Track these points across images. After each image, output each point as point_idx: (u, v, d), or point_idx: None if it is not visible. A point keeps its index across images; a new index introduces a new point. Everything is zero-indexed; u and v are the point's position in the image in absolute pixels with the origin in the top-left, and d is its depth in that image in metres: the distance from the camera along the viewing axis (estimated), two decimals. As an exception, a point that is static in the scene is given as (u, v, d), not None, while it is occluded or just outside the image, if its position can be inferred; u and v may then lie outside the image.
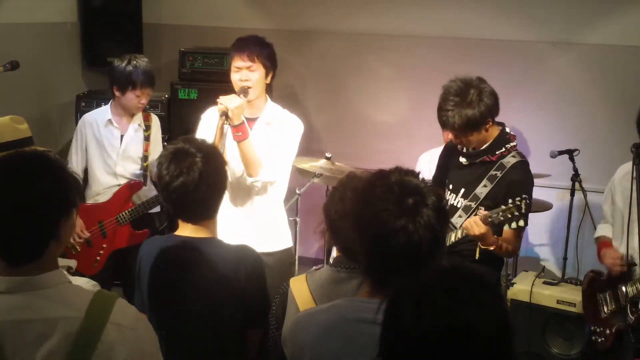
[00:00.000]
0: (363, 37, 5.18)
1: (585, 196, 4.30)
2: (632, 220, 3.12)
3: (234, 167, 3.29)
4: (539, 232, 4.92)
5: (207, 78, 4.97)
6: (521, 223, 2.91)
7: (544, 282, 4.40)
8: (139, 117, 4.14)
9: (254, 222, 3.37)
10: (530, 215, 4.74)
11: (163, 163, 2.38)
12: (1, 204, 1.65)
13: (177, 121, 4.96)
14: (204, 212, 2.41)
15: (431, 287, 1.28)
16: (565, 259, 4.55)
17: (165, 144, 4.20)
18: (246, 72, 3.25)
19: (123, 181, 4.09)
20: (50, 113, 5.06)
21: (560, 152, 4.39)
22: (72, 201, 1.74)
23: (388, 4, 5.09)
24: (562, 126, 4.77)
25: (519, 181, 3.07)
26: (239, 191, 3.36)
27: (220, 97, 3.14)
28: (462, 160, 3.21)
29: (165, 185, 2.37)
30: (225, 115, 3.06)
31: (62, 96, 5.14)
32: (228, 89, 3.31)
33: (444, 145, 3.59)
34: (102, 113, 4.11)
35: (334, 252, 2.38)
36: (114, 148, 4.08)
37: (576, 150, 4.38)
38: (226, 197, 3.36)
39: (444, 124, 3.07)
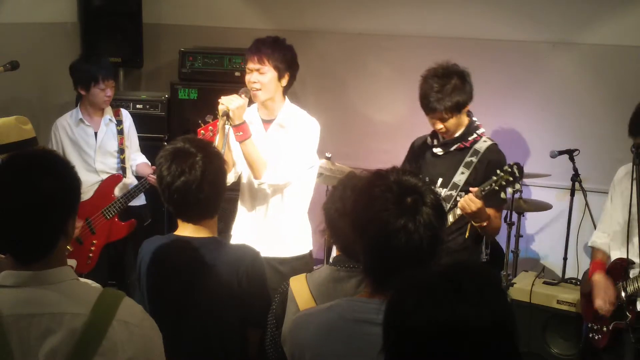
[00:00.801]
0: (363, 37, 5.19)
1: (585, 196, 4.31)
2: (632, 220, 3.12)
3: (247, 168, 3.27)
4: (539, 232, 4.92)
5: (207, 78, 4.97)
6: (518, 186, 3.03)
7: (544, 282, 4.40)
8: (108, 113, 4.26)
9: (261, 226, 3.32)
10: (530, 215, 4.82)
11: (163, 163, 2.37)
12: (11, 203, 1.66)
13: (177, 121, 4.96)
14: (206, 211, 2.42)
15: (437, 279, 1.28)
16: (565, 259, 4.55)
17: (165, 144, 4.22)
18: (256, 74, 3.21)
19: (104, 176, 4.19)
20: (50, 113, 5.06)
21: (560, 152, 4.40)
22: (77, 198, 1.77)
23: (388, 4, 5.09)
24: (562, 126, 4.76)
25: (497, 159, 3.18)
26: (252, 194, 3.33)
27: (222, 97, 3.14)
28: (437, 150, 3.30)
29: (167, 186, 2.36)
30: (226, 115, 3.06)
31: (62, 96, 5.13)
32: (228, 89, 3.30)
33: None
34: (73, 114, 4.24)
35: (334, 252, 2.38)
36: (90, 145, 4.19)
37: (576, 150, 4.39)
38: (241, 200, 3.38)
39: (434, 109, 3.13)
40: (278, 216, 3.32)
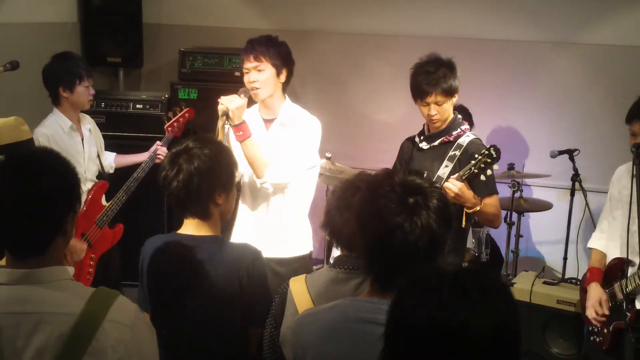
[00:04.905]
0: (363, 37, 5.19)
1: (585, 196, 4.31)
2: (632, 218, 3.12)
3: (248, 168, 3.27)
4: (539, 232, 4.93)
5: (207, 78, 4.98)
6: (496, 167, 3.09)
7: (544, 282, 4.40)
8: (85, 118, 4.08)
9: (261, 225, 3.31)
10: (530, 214, 4.82)
11: (167, 158, 2.44)
12: (10, 199, 1.67)
13: (177, 121, 4.97)
14: (201, 208, 2.42)
15: (444, 280, 1.29)
16: (565, 259, 4.55)
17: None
18: (254, 73, 3.21)
19: (90, 185, 3.98)
20: (50, 113, 5.06)
21: (560, 152, 4.40)
22: (76, 197, 1.77)
23: (388, 4, 5.09)
24: (562, 126, 4.77)
25: (479, 151, 3.19)
26: (254, 193, 3.33)
27: (221, 97, 3.14)
28: (422, 145, 3.37)
29: (163, 179, 2.41)
30: (226, 115, 3.07)
31: (62, 96, 5.13)
32: (228, 89, 3.30)
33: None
34: (59, 122, 3.92)
35: (334, 252, 2.38)
36: (80, 154, 3.95)
37: (576, 150, 4.39)
38: (242, 199, 3.38)
39: (428, 92, 3.18)
40: (279, 216, 3.32)
